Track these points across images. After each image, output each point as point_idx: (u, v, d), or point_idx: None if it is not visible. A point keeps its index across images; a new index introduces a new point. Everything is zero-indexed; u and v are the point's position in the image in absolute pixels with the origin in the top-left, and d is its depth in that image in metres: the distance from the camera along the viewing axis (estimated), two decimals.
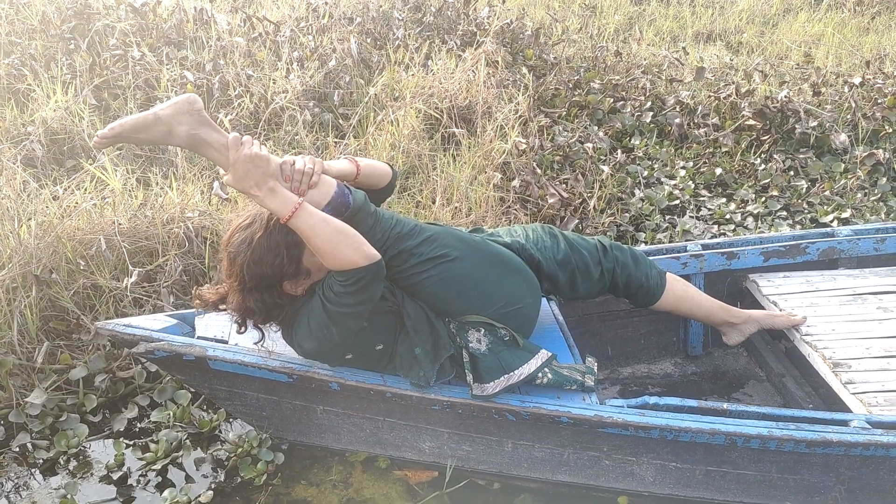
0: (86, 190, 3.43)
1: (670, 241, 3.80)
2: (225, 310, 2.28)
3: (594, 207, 3.86)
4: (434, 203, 3.66)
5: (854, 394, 2.43)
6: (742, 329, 2.83)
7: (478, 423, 2.40)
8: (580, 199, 3.91)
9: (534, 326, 2.46)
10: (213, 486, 2.51)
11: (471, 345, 2.28)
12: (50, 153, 3.97)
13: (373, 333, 2.27)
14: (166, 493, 2.41)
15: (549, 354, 2.32)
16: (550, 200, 3.73)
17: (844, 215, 4.02)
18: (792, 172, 4.48)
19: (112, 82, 4.50)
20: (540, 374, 2.28)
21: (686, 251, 3.07)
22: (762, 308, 2.96)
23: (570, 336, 2.59)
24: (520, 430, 2.38)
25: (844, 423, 2.25)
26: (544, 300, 2.66)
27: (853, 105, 4.82)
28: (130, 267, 3.09)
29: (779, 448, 2.21)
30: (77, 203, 3.31)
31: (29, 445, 2.64)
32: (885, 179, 4.33)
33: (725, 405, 2.31)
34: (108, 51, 4.77)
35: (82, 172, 3.56)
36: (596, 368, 2.37)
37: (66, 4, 5.23)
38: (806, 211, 4.15)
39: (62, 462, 2.62)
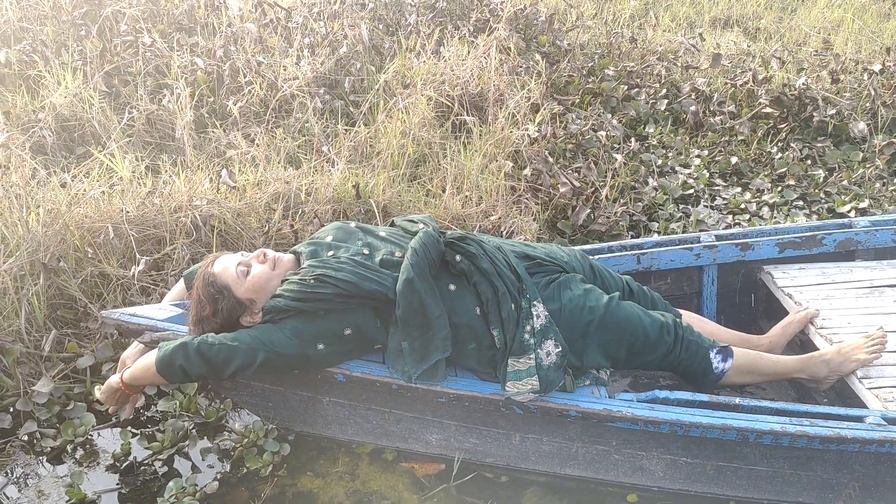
0: (94, 178, 3.41)
1: (684, 231, 3.74)
2: None
3: (606, 196, 3.80)
4: (444, 192, 3.62)
5: (870, 389, 2.38)
6: None
7: (485, 416, 2.37)
8: (592, 188, 3.86)
9: None
10: (218, 476, 2.50)
11: (540, 352, 2.24)
12: (60, 140, 3.96)
13: (338, 320, 2.26)
14: (172, 483, 2.39)
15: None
16: (562, 189, 3.68)
17: (862, 205, 3.95)
18: (809, 161, 4.41)
19: (122, 69, 4.48)
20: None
21: (700, 242, 3.02)
22: (776, 300, 2.91)
23: None
24: (528, 423, 2.35)
25: (859, 419, 2.20)
26: None
27: (872, 93, 4.73)
28: (138, 255, 3.08)
29: (792, 444, 2.17)
30: (85, 191, 3.29)
31: (36, 434, 2.64)
32: None
33: (737, 400, 2.27)
34: (118, 37, 4.75)
35: (91, 160, 3.54)
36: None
37: None
38: (823, 201, 4.08)
39: (69, 451, 2.61)
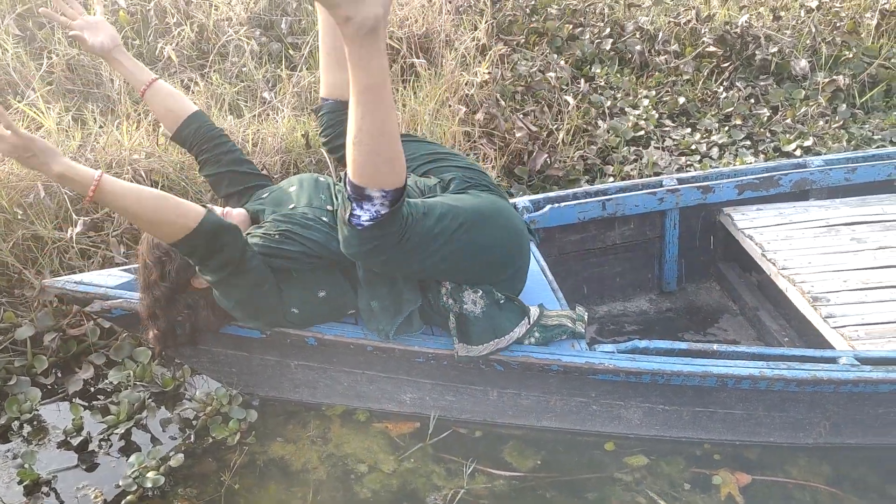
0: None
1: (639, 174, 3.71)
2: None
3: (563, 141, 3.73)
4: None
5: (834, 328, 2.41)
6: None
7: (463, 373, 2.30)
8: (547, 132, 3.78)
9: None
10: (182, 448, 2.37)
11: (465, 306, 2.12)
12: None
13: (311, 282, 2.14)
14: (133, 457, 2.27)
15: (539, 312, 2.21)
16: (518, 134, 3.59)
17: (807, 143, 3.99)
18: (753, 100, 4.42)
19: (36, 10, 4.11)
20: (529, 337, 2.19)
21: (662, 186, 2.99)
22: (735, 241, 2.93)
23: (554, 280, 2.50)
24: (506, 379, 2.30)
25: (833, 360, 2.23)
26: None
27: (813, 30, 4.76)
28: (74, 216, 2.86)
29: (769, 388, 2.19)
30: None
31: None
32: (844, 106, 4.31)
33: (715, 346, 2.27)
34: None
35: (11, 111, 3.25)
36: (586, 318, 2.28)
37: None
38: (769, 140, 4.11)
39: (15, 429, 2.44)
